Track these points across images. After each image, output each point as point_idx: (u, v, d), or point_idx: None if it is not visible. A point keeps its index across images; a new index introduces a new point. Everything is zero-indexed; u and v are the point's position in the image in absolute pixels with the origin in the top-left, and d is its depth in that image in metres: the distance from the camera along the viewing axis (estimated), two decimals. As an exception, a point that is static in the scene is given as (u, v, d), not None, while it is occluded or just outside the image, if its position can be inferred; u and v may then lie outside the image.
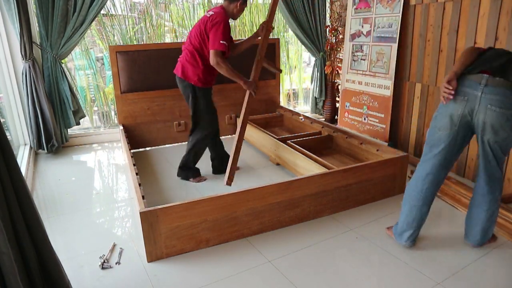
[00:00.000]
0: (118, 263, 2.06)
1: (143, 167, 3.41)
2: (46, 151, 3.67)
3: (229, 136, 4.19)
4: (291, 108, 5.23)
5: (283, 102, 5.43)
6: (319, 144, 3.46)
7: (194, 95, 2.89)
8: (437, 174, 1.96)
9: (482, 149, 1.88)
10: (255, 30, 5.00)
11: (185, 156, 3.07)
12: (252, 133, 3.85)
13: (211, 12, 2.81)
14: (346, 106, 4.31)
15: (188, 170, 3.10)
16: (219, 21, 2.72)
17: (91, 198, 2.88)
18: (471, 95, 1.76)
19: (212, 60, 2.73)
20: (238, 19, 4.93)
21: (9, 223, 1.29)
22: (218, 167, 3.18)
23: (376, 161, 2.68)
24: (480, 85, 1.73)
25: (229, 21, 2.85)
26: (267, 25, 2.92)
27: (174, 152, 3.82)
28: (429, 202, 2.03)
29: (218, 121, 3.08)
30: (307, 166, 2.85)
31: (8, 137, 1.33)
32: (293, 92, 5.75)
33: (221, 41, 2.70)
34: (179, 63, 2.93)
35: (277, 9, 4.79)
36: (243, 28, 4.98)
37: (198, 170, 3.14)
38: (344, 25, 4.37)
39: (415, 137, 3.59)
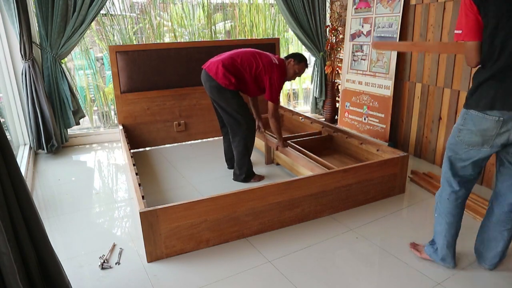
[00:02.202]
0: (118, 263, 2.05)
1: (143, 167, 3.41)
2: (46, 151, 3.67)
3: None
4: (291, 108, 5.23)
5: (283, 102, 5.43)
6: (319, 144, 3.45)
7: (226, 95, 2.80)
8: (470, 186, 1.86)
9: None
10: (255, 31, 5.05)
11: (241, 159, 2.96)
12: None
13: (269, 57, 2.83)
14: (346, 106, 4.31)
15: (248, 172, 3.02)
16: (278, 74, 2.80)
17: (91, 198, 2.87)
18: (507, 115, 1.58)
19: (274, 111, 2.87)
20: (238, 20, 4.96)
21: (9, 223, 1.28)
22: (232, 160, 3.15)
23: (376, 161, 2.68)
24: None
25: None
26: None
27: (174, 152, 3.82)
28: (462, 215, 1.91)
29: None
30: (307, 166, 2.84)
31: (8, 137, 1.33)
32: (293, 92, 5.75)
33: (279, 96, 2.87)
34: (213, 64, 2.81)
35: (277, 9, 4.83)
36: (243, 28, 4.98)
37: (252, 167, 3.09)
38: (344, 25, 4.37)
39: (415, 137, 3.59)
